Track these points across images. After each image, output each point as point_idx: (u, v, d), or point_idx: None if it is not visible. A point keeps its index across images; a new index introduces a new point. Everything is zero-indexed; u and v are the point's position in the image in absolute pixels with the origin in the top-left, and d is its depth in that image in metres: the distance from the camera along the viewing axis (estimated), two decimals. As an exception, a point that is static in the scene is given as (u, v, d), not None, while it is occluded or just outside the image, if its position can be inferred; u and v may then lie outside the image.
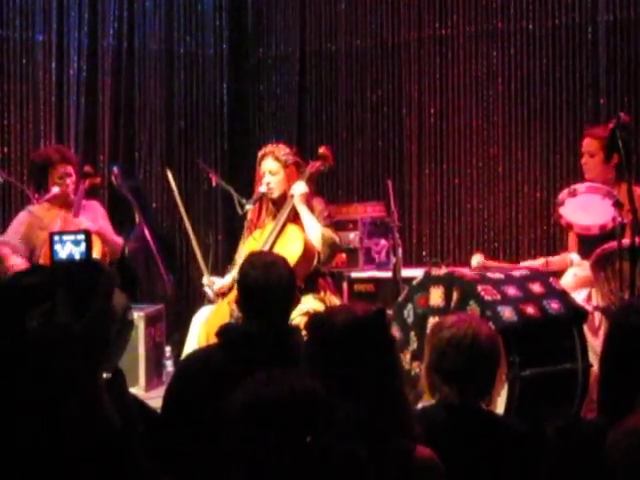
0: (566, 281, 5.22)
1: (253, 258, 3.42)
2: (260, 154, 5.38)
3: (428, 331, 3.08)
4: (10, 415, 1.93)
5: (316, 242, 5.17)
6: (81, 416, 1.94)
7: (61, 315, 2.01)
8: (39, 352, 1.95)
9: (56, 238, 2.18)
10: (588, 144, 5.41)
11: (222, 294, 5.33)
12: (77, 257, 2.16)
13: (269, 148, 5.38)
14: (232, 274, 5.29)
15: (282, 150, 5.35)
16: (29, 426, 1.93)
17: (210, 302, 5.32)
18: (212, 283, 5.33)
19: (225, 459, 1.89)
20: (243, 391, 1.96)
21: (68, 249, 2.16)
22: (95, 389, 2.00)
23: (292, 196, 5.24)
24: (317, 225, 5.22)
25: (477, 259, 5.33)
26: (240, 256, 5.32)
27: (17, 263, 5.60)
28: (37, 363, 1.95)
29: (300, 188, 5.24)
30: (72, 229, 5.64)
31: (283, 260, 3.39)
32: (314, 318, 2.68)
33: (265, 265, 3.28)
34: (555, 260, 5.51)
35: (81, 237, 2.18)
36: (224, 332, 3.25)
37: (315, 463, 1.80)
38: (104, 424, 1.96)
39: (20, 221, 5.89)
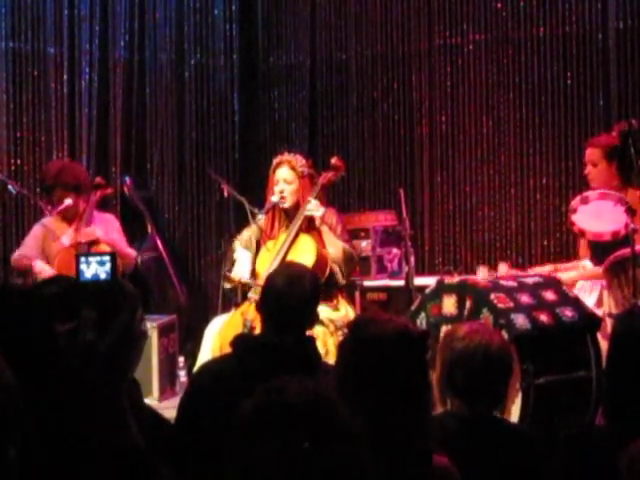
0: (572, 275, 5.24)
1: (280, 269, 3.43)
2: (276, 162, 5.36)
3: (440, 341, 3.06)
4: (34, 430, 1.94)
5: (338, 260, 5.17)
6: (105, 433, 1.95)
7: (86, 334, 2.02)
8: (65, 369, 1.96)
9: (82, 259, 2.20)
10: (590, 154, 5.39)
11: (236, 304, 5.35)
12: (102, 277, 2.18)
13: (286, 157, 5.36)
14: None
15: (299, 161, 5.33)
16: (53, 442, 1.94)
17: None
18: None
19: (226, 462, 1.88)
20: (253, 396, 1.95)
21: (93, 269, 2.17)
22: (119, 406, 2.01)
23: (307, 209, 5.22)
24: (339, 244, 5.22)
25: (503, 269, 5.31)
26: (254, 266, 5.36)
27: (44, 269, 5.62)
28: (63, 378, 1.96)
29: (319, 211, 5.21)
30: (84, 239, 5.68)
31: (311, 274, 3.41)
32: (361, 320, 2.66)
33: (290, 278, 3.29)
34: (568, 268, 5.49)
35: (106, 258, 2.19)
36: (238, 342, 3.25)
37: (312, 470, 1.78)
38: (128, 441, 1.97)
39: (35, 235, 5.93)
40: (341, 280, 5.23)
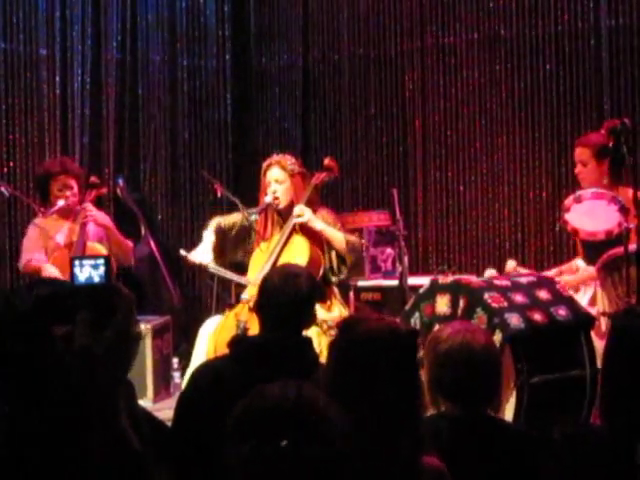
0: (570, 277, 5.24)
1: (277, 268, 3.43)
2: (265, 164, 5.38)
3: (426, 344, 3.03)
4: (31, 436, 1.93)
5: (342, 251, 5.19)
6: (101, 437, 1.94)
7: (80, 338, 2.01)
8: (62, 374, 1.95)
9: (76, 262, 2.19)
10: (580, 153, 5.39)
11: (230, 305, 5.35)
12: (96, 280, 2.17)
13: (275, 158, 5.38)
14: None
15: (288, 160, 5.36)
16: (49, 447, 1.93)
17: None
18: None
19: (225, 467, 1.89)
20: (242, 400, 1.95)
21: (87, 272, 2.16)
22: (115, 410, 2.00)
23: (294, 219, 5.22)
24: (340, 235, 5.24)
25: (511, 264, 5.31)
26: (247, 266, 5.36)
27: (52, 272, 5.61)
28: (61, 384, 1.95)
29: (304, 216, 5.22)
30: (80, 238, 5.69)
31: (308, 274, 3.41)
32: (350, 320, 2.66)
33: (286, 276, 3.29)
34: (565, 269, 5.51)
35: (100, 261, 2.18)
36: (236, 343, 3.24)
37: (289, 469, 1.79)
38: (123, 444, 1.96)
39: (30, 237, 5.92)
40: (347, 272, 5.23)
